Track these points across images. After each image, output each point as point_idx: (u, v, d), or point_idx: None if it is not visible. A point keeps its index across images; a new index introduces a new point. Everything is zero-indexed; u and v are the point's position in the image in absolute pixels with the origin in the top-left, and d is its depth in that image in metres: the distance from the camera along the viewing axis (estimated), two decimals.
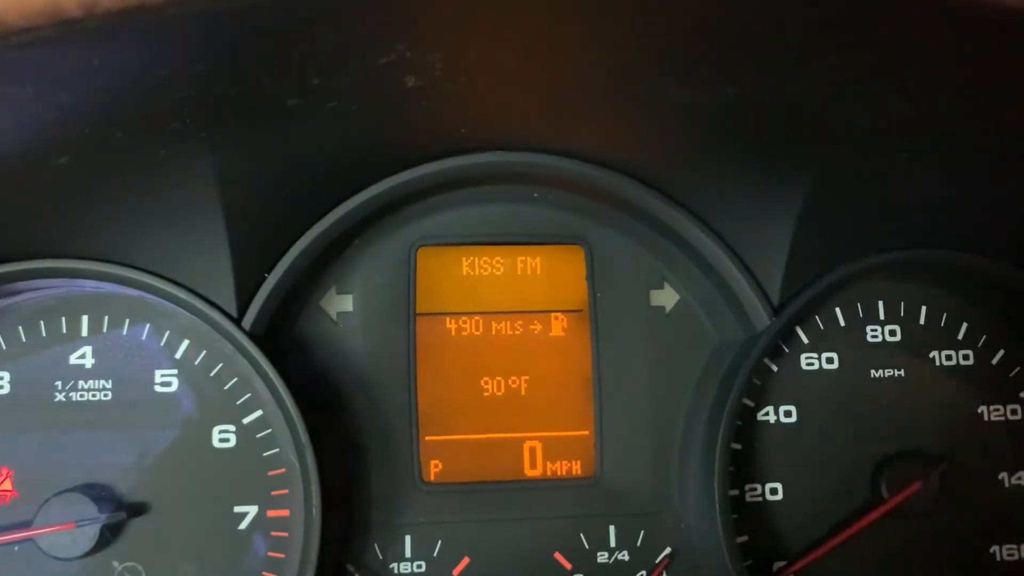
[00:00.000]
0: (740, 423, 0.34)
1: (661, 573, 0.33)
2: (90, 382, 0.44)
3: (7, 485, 0.42)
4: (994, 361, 0.38)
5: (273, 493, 0.37)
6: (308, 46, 0.29)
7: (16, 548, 0.39)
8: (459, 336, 0.43)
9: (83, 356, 0.44)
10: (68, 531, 0.36)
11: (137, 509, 0.36)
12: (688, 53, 0.27)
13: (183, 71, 0.26)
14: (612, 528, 0.34)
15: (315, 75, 0.29)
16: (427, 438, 0.39)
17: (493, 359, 0.45)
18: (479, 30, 0.26)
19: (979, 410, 0.37)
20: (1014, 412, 0.36)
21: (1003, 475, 0.35)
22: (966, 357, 0.39)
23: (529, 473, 0.35)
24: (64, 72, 0.27)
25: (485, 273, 0.46)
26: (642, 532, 0.34)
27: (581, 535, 0.34)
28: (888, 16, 0.22)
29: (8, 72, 0.24)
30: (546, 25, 0.25)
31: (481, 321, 0.45)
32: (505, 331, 0.45)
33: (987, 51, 0.22)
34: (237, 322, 0.39)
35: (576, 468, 0.35)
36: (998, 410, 0.37)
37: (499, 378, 0.44)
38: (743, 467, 0.34)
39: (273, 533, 0.38)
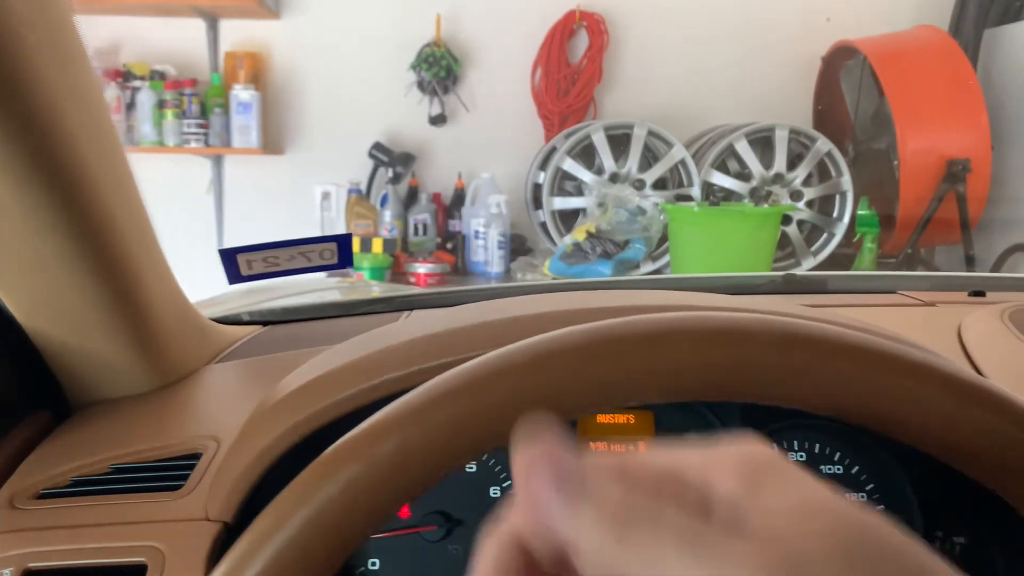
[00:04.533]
0: None
1: None
2: None
3: None
4: (852, 471, 0.68)
5: None
6: None
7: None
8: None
9: None
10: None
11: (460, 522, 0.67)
12: None
13: None
14: None
15: None
16: None
17: None
18: None
19: (843, 494, 0.67)
20: (861, 496, 0.66)
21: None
22: (841, 469, 0.68)
23: None
24: None
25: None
26: None
27: None
28: None
29: None
30: None
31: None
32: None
33: None
34: None
35: None
36: (854, 494, 0.66)
37: None
38: None
39: None
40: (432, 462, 0.35)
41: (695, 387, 0.36)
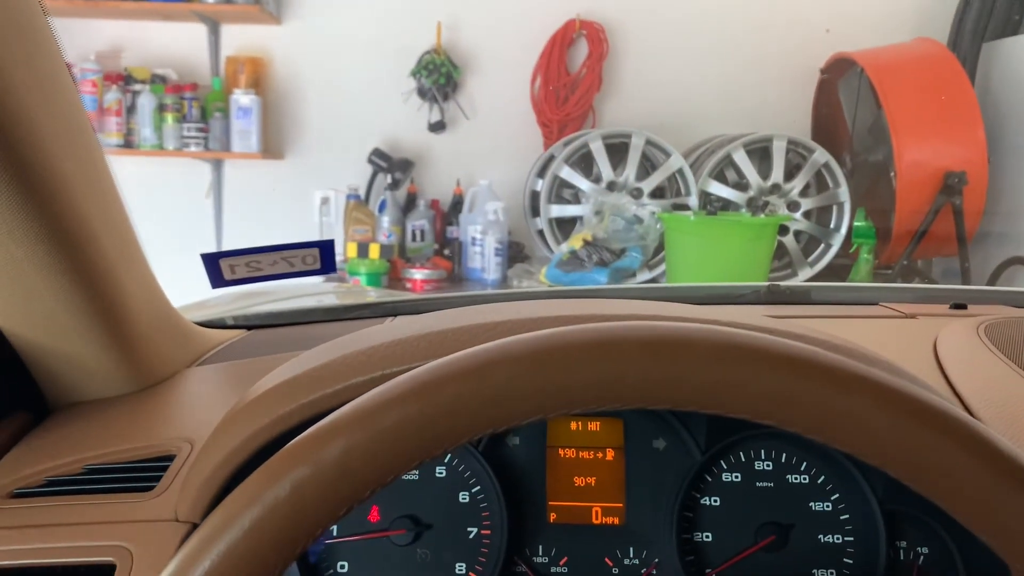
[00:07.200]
0: (692, 503, 0.68)
1: (652, 571, 0.65)
2: None
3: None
4: (819, 482, 0.69)
5: (484, 523, 0.73)
6: None
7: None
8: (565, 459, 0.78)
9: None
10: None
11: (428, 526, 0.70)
12: None
13: None
14: (631, 549, 0.67)
15: None
16: (550, 503, 0.72)
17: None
18: None
19: (809, 504, 0.68)
20: (826, 506, 0.68)
21: (819, 535, 0.66)
22: (808, 479, 0.69)
23: (595, 521, 0.69)
24: None
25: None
26: (644, 551, 0.67)
27: (617, 551, 0.68)
28: None
29: None
30: None
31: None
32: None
33: None
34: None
35: (615, 521, 0.69)
36: (820, 504, 0.68)
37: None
38: (693, 524, 0.67)
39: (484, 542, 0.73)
40: (378, 466, 0.36)
41: (631, 395, 0.37)
